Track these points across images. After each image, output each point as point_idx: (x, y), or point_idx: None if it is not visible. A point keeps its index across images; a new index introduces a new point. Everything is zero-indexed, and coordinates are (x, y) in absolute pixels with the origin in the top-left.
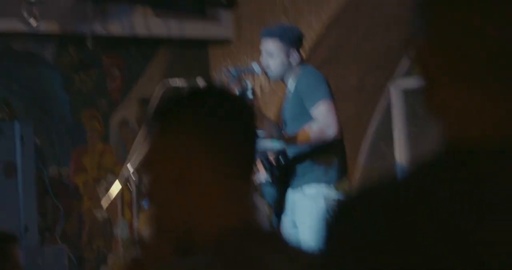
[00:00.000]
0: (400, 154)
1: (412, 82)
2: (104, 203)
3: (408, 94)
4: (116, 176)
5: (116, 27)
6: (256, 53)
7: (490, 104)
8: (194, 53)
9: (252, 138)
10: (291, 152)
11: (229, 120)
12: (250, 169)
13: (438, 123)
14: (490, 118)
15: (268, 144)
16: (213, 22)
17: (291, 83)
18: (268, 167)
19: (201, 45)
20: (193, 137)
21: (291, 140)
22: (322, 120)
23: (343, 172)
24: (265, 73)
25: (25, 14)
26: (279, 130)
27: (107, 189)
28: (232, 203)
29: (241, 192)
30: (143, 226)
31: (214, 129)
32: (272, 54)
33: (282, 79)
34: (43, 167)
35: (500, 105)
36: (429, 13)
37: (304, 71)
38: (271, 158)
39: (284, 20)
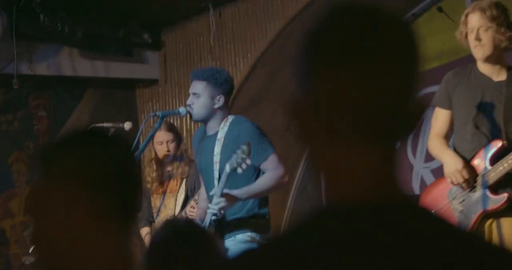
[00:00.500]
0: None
1: None
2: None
3: None
4: None
5: (42, 68)
6: (182, 94)
7: (363, 166)
8: (121, 94)
9: (130, 181)
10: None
11: (105, 165)
12: (131, 211)
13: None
14: (366, 175)
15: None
16: (140, 63)
17: (220, 132)
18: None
19: (128, 86)
20: (72, 181)
21: (251, 195)
22: (276, 172)
23: (269, 222)
24: (189, 114)
25: None
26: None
27: None
28: (112, 247)
29: (122, 234)
30: None
31: (91, 174)
32: (197, 95)
33: (205, 123)
34: None
35: (374, 164)
36: (309, 80)
37: (241, 124)
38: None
39: (210, 61)
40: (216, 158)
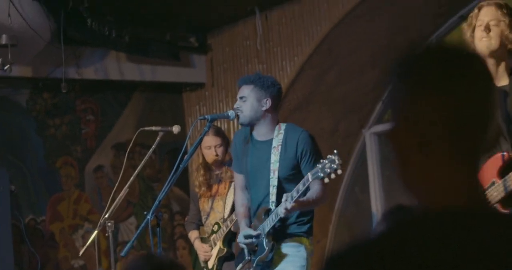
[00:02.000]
0: (376, 200)
1: (386, 126)
2: (81, 250)
3: (382, 138)
4: (91, 223)
5: (89, 72)
6: (229, 97)
7: (454, 178)
8: (168, 97)
9: None
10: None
11: None
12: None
13: (412, 195)
14: (455, 190)
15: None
16: (187, 67)
17: (275, 140)
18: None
19: (175, 89)
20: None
21: (306, 206)
22: (325, 188)
23: (313, 229)
24: (237, 117)
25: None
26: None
27: (83, 237)
28: (465, 179)
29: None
30: None
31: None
32: (244, 98)
33: (252, 126)
34: (18, 214)
35: (462, 178)
36: (403, 100)
37: (299, 134)
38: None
39: (257, 65)
40: (274, 166)
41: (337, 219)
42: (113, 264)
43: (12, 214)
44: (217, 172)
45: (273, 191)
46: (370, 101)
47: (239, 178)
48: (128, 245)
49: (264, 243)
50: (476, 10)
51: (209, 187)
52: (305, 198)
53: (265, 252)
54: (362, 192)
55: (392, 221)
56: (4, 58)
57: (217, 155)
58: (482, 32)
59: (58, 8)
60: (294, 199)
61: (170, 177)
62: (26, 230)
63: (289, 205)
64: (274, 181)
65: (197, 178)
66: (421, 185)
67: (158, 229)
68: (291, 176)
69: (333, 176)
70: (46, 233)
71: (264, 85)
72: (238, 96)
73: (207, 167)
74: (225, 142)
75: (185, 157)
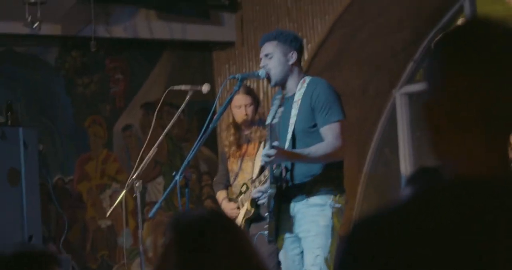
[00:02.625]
0: (405, 161)
1: (417, 86)
2: (108, 211)
3: (413, 99)
4: (119, 183)
5: (119, 30)
6: (259, 57)
7: (485, 149)
8: (197, 56)
9: None
10: (295, 164)
11: None
12: None
13: (443, 165)
14: (485, 161)
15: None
16: (217, 25)
17: (297, 94)
18: (273, 180)
19: (205, 48)
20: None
21: (299, 157)
22: (333, 142)
23: (343, 186)
24: (268, 79)
25: (28, 16)
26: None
27: (111, 197)
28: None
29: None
30: (147, 236)
31: None
32: (269, 54)
33: (283, 85)
34: (46, 174)
35: (492, 150)
36: (439, 74)
37: (318, 83)
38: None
39: (288, 23)
40: (292, 119)
41: (365, 179)
42: (140, 224)
43: (40, 173)
44: (247, 132)
45: (288, 145)
46: (400, 62)
47: None
48: (156, 205)
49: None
50: None
51: (239, 147)
52: (302, 149)
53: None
54: (392, 153)
55: (418, 186)
56: (33, 16)
57: (246, 114)
58: None
59: None
60: (276, 146)
61: (199, 136)
62: (54, 189)
63: (271, 151)
64: (289, 136)
65: (227, 138)
66: (451, 155)
67: (186, 189)
68: (311, 128)
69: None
70: (73, 193)
71: (288, 40)
72: (262, 54)
73: (237, 126)
74: (255, 101)
75: (215, 116)
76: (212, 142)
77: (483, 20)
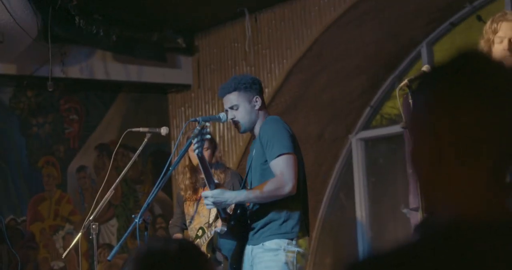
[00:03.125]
0: (361, 206)
1: (373, 132)
2: (63, 252)
3: (368, 144)
4: (72, 224)
5: (74, 71)
6: (215, 99)
7: (485, 184)
8: (153, 98)
9: None
10: (251, 203)
11: None
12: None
13: (444, 200)
14: (486, 202)
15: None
16: (173, 68)
17: (259, 133)
18: (224, 217)
19: (161, 90)
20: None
21: (244, 196)
22: (277, 178)
23: (304, 227)
24: (236, 128)
25: None
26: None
27: (64, 238)
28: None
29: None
30: None
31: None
32: (234, 106)
33: (252, 131)
34: (3, 214)
35: (492, 188)
36: (436, 110)
37: (268, 120)
38: (229, 208)
39: (245, 67)
40: (253, 158)
41: (321, 225)
42: (96, 266)
43: None
44: (203, 176)
45: (248, 181)
46: (357, 107)
47: None
48: (115, 248)
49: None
50: (493, 25)
51: (195, 191)
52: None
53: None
54: (347, 198)
55: (422, 233)
56: None
57: None
58: (504, 51)
59: (46, 5)
60: (218, 183)
61: (159, 179)
62: (7, 230)
63: (208, 192)
64: (248, 171)
65: (183, 181)
66: (449, 194)
67: (146, 232)
68: (263, 165)
69: None
70: (26, 233)
71: (247, 86)
72: (227, 107)
73: (193, 169)
74: (213, 145)
75: (175, 159)
76: (166, 184)
77: (473, 53)
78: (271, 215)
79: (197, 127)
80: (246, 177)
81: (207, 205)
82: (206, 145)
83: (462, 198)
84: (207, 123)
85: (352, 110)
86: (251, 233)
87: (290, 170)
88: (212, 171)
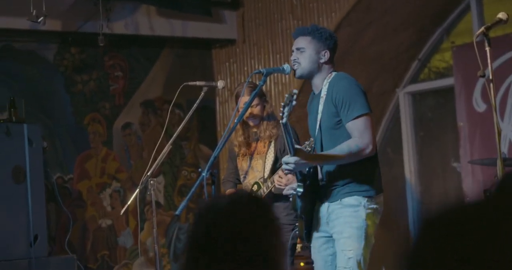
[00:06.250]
0: (409, 160)
1: (420, 86)
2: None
3: (416, 98)
4: (119, 182)
5: (119, 27)
6: (261, 54)
7: None
8: (198, 53)
9: None
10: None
11: None
12: None
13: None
14: None
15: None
16: (218, 22)
17: (323, 90)
18: (301, 178)
19: (205, 46)
20: None
21: (323, 158)
22: (359, 138)
23: (380, 184)
24: (293, 70)
25: (33, 11)
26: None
27: (111, 196)
28: None
29: None
30: (147, 236)
31: None
32: (301, 49)
33: (309, 79)
34: (50, 172)
35: None
36: None
37: (339, 78)
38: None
39: (292, 21)
40: (319, 116)
41: None
42: (155, 223)
43: (44, 171)
44: (255, 130)
45: (316, 142)
46: (405, 61)
47: None
48: (183, 203)
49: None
50: None
51: (248, 145)
52: (327, 151)
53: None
54: (394, 153)
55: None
56: (38, 10)
57: (253, 114)
58: None
59: None
60: (298, 148)
61: (224, 133)
62: (56, 188)
63: (291, 159)
64: (317, 133)
65: (235, 138)
66: None
67: (213, 186)
68: (336, 125)
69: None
70: (73, 192)
71: (322, 37)
72: (294, 48)
73: (244, 125)
74: (262, 101)
75: (239, 113)
76: (211, 140)
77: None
78: (349, 173)
79: (287, 95)
80: (316, 138)
81: (286, 170)
82: (256, 101)
83: None
84: (295, 91)
85: (399, 64)
86: (328, 190)
87: (369, 131)
88: (264, 126)
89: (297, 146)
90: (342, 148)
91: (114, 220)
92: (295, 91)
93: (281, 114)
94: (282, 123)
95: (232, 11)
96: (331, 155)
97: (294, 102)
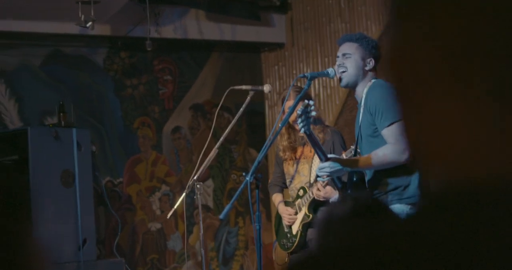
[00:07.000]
0: None
1: None
2: (158, 214)
3: None
4: (168, 185)
5: (168, 31)
6: (310, 58)
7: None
8: (246, 57)
9: None
10: (367, 171)
11: None
12: None
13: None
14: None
15: (331, 167)
16: (266, 26)
17: (363, 98)
18: (340, 186)
19: (254, 49)
20: None
21: (358, 163)
22: (394, 144)
23: (421, 191)
24: (339, 77)
25: (81, 15)
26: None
27: (160, 200)
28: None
29: None
30: (196, 239)
31: None
32: (347, 55)
33: (353, 87)
34: (99, 175)
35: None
36: None
37: (375, 86)
38: (343, 176)
39: (340, 24)
40: (359, 124)
41: None
42: (201, 227)
43: (93, 175)
44: (302, 134)
45: (361, 150)
46: None
47: None
48: (227, 207)
49: None
50: None
51: (294, 150)
52: (362, 156)
53: None
54: None
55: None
56: (86, 15)
57: None
58: None
59: None
60: (332, 157)
61: (269, 136)
62: (105, 191)
63: (325, 163)
64: (358, 140)
65: (281, 143)
66: None
67: (257, 191)
68: (374, 132)
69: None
70: (123, 195)
71: (369, 46)
72: (340, 53)
73: (290, 129)
74: None
75: (284, 116)
76: (260, 144)
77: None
78: (393, 181)
79: (301, 107)
80: (356, 145)
81: (322, 176)
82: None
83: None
84: (311, 102)
85: None
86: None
87: (404, 137)
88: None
89: (329, 155)
90: (377, 154)
91: (164, 224)
92: (312, 102)
93: (297, 125)
94: (306, 133)
95: (280, 14)
96: (366, 160)
97: (313, 113)
